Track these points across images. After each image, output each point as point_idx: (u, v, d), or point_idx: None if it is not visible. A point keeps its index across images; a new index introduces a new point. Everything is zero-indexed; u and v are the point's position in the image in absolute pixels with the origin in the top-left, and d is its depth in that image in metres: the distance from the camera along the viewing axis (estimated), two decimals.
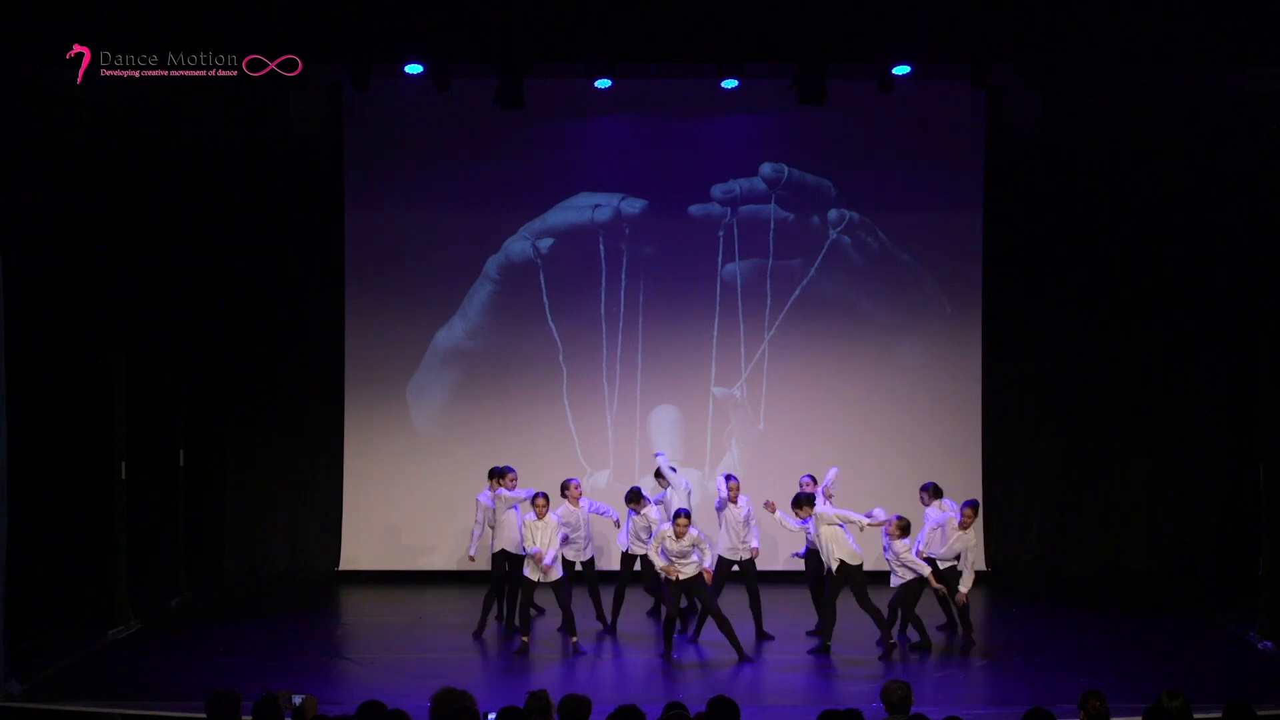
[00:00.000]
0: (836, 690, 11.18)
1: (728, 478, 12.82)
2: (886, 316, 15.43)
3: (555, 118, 15.05)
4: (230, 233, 15.40)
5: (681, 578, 11.80)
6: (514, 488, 12.74)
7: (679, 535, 11.74)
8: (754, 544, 12.65)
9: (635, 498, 12.93)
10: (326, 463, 15.64)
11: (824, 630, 12.12)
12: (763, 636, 12.49)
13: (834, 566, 12.02)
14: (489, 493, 12.90)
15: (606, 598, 13.01)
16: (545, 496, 12.29)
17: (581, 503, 12.95)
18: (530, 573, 12.17)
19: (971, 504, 12.34)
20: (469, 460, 15.03)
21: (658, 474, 13.34)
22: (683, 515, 11.89)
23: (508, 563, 12.76)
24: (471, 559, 13.44)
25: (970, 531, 12.13)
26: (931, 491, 12.68)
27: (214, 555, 15.52)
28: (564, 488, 12.95)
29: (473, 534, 13.23)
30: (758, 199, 15.36)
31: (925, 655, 12.00)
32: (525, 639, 12.17)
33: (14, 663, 10.87)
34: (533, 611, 12.82)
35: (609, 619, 12.95)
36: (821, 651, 12.00)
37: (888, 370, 15.44)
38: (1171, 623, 13.46)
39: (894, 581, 12.18)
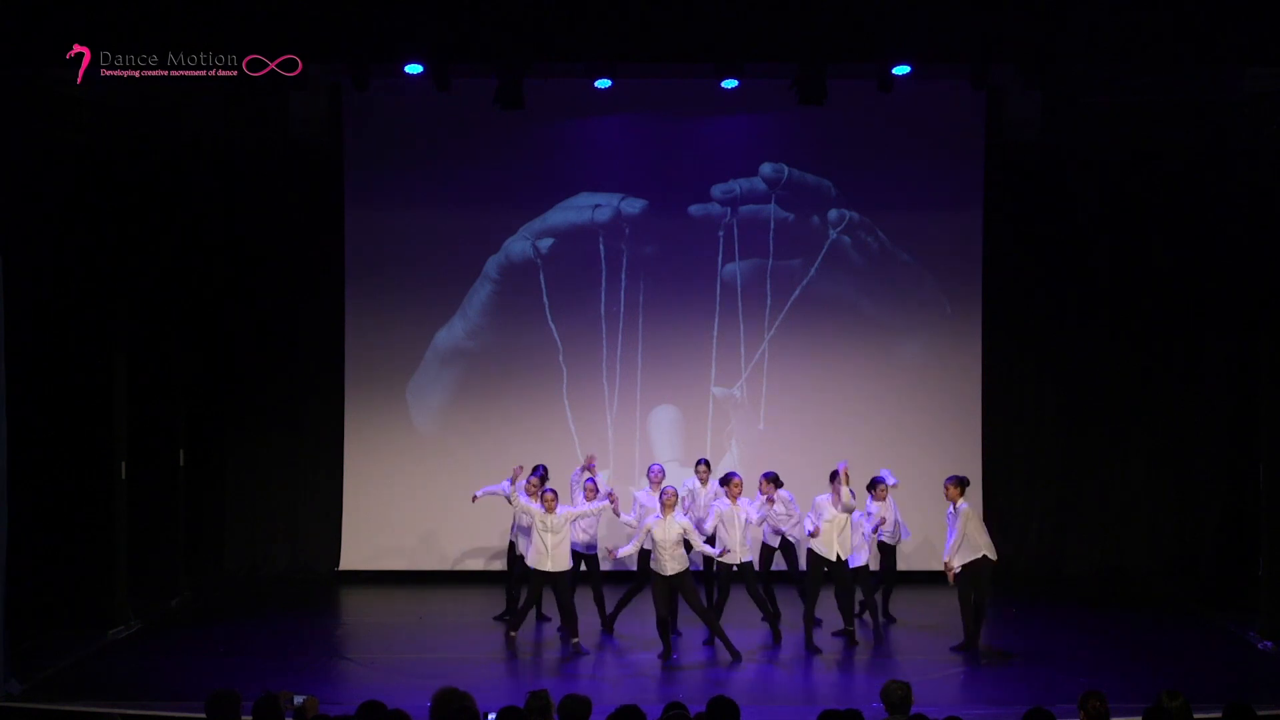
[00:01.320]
0: (836, 690, 11.19)
1: (728, 475, 12.69)
2: (886, 316, 15.43)
3: (555, 118, 15.05)
4: (230, 233, 15.41)
5: (665, 574, 11.76)
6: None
7: (666, 507, 11.73)
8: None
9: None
10: (326, 463, 15.64)
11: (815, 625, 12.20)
12: (776, 634, 12.48)
13: (835, 556, 12.08)
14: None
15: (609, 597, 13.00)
16: (554, 493, 12.29)
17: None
18: (535, 563, 12.12)
19: (953, 479, 12.19)
20: (469, 460, 15.05)
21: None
22: (671, 491, 11.90)
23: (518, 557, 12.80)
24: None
25: (962, 501, 11.98)
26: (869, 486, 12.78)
27: (214, 555, 15.52)
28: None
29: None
30: (758, 199, 15.36)
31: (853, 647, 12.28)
32: (513, 634, 12.20)
33: (14, 663, 10.87)
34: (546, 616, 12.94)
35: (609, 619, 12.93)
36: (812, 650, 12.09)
37: (888, 370, 15.44)
38: (1171, 623, 13.46)
39: (854, 561, 12.33)
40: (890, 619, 13.15)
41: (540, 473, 12.83)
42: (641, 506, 12.76)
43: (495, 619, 13.28)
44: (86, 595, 12.69)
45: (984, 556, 11.86)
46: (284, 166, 15.44)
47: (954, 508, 11.93)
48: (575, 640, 12.21)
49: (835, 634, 12.39)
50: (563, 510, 12.18)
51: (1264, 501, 12.61)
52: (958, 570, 11.88)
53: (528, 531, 12.45)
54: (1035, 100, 14.48)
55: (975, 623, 12.04)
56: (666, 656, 11.79)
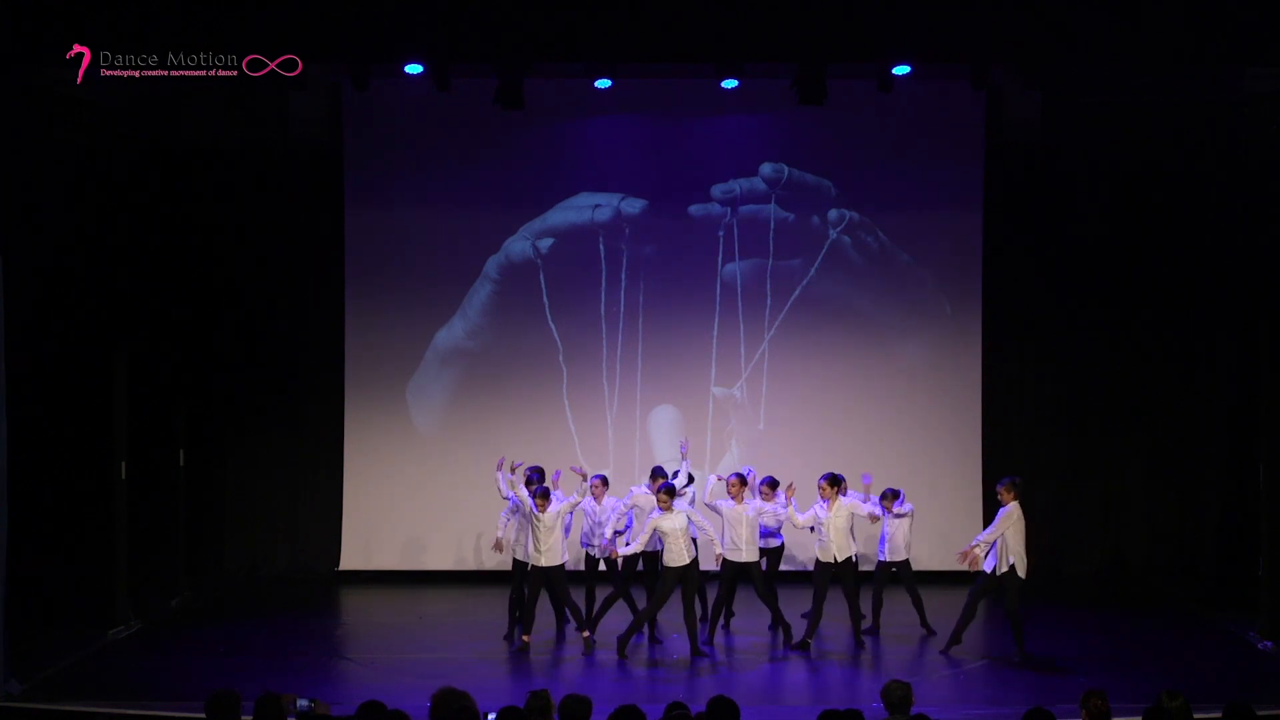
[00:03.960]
0: (836, 690, 11.19)
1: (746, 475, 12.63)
2: (886, 316, 15.43)
3: (555, 118, 15.05)
4: (230, 233, 15.40)
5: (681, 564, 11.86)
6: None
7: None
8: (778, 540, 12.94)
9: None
10: (326, 463, 15.64)
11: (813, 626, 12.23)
12: (783, 633, 12.44)
13: (839, 558, 12.09)
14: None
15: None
16: (546, 490, 12.21)
17: (606, 500, 12.78)
18: (531, 560, 12.09)
19: (1003, 483, 12.10)
20: (469, 460, 15.04)
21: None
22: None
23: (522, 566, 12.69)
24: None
25: (1012, 503, 11.92)
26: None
27: (214, 555, 15.52)
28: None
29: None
30: (758, 199, 15.36)
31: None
32: (526, 638, 12.17)
33: (14, 663, 10.87)
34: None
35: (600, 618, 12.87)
36: (802, 648, 12.10)
37: (888, 370, 15.44)
38: (1171, 623, 13.47)
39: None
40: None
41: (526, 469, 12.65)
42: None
43: (506, 640, 12.65)
44: (86, 595, 12.69)
45: (1012, 569, 11.79)
46: (284, 166, 15.44)
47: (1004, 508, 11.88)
48: (586, 635, 12.21)
49: (865, 630, 12.44)
50: (553, 508, 12.14)
51: (1264, 501, 12.61)
52: (977, 560, 11.84)
53: (521, 525, 12.43)
54: (1035, 100, 14.49)
55: (1016, 630, 11.87)
56: (621, 652, 11.96)
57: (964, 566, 11.97)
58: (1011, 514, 11.78)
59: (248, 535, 15.72)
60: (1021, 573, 11.78)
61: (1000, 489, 12.02)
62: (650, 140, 15.35)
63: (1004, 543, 11.77)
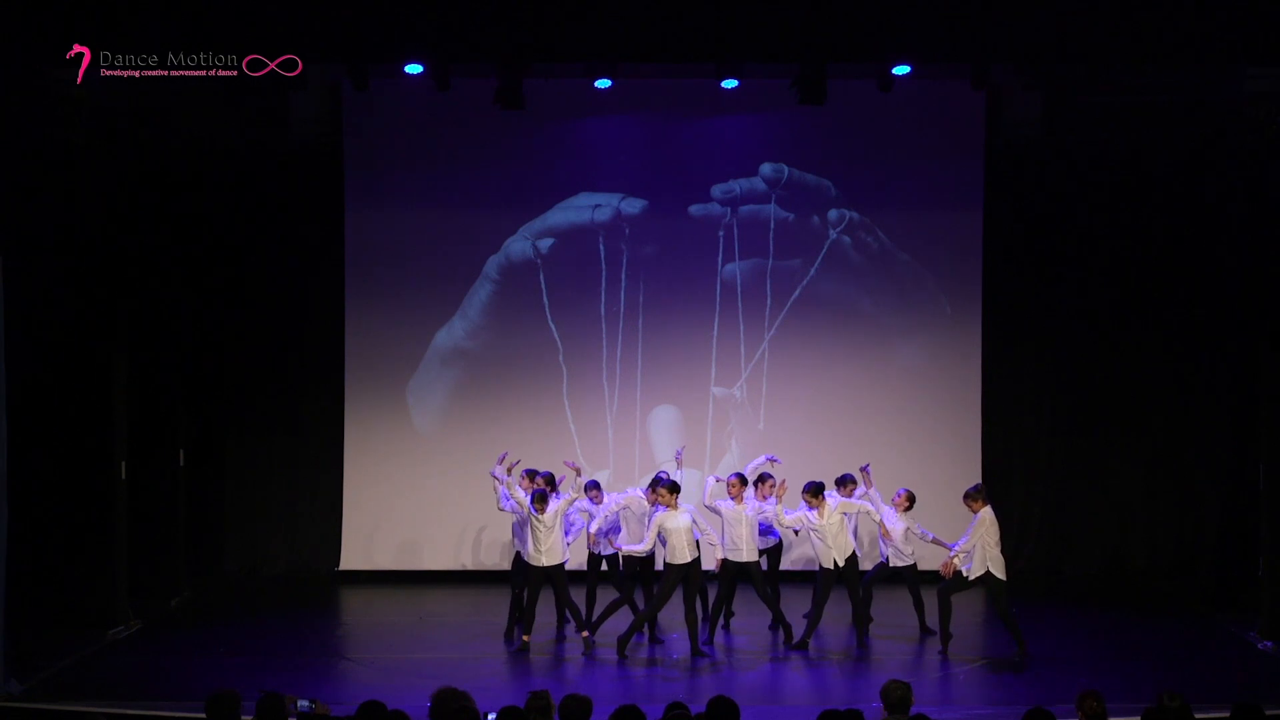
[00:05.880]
0: (836, 690, 11.18)
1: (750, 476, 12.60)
2: (886, 316, 15.44)
3: (555, 118, 15.05)
4: (230, 233, 15.40)
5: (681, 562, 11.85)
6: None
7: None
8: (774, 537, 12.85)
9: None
10: (326, 463, 15.64)
11: (811, 629, 12.21)
12: (783, 632, 12.43)
13: (841, 560, 12.07)
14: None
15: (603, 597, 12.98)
16: (544, 492, 12.21)
17: (605, 497, 12.82)
18: (531, 559, 12.07)
19: (969, 492, 12.25)
20: (469, 460, 15.02)
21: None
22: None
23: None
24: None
25: (984, 509, 12.03)
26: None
27: (214, 555, 15.52)
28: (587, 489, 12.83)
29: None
30: (758, 199, 15.37)
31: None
32: (526, 638, 12.16)
33: (14, 663, 10.86)
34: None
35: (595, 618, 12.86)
36: (801, 647, 12.09)
37: (888, 370, 15.45)
38: (1171, 623, 13.47)
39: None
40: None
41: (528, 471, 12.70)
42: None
43: (506, 640, 12.60)
44: (86, 595, 12.67)
45: (988, 573, 11.82)
46: (284, 166, 15.44)
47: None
48: (586, 635, 12.21)
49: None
50: (552, 507, 12.13)
51: (1264, 501, 12.61)
52: (957, 569, 11.88)
53: (522, 525, 12.42)
54: (1035, 100, 14.49)
55: (1013, 630, 11.93)
56: (621, 652, 11.93)
57: (946, 576, 11.99)
58: (984, 520, 11.87)
59: (248, 535, 15.72)
60: (1001, 574, 11.84)
61: (968, 501, 12.08)
62: (650, 140, 15.36)
63: (980, 548, 11.81)
